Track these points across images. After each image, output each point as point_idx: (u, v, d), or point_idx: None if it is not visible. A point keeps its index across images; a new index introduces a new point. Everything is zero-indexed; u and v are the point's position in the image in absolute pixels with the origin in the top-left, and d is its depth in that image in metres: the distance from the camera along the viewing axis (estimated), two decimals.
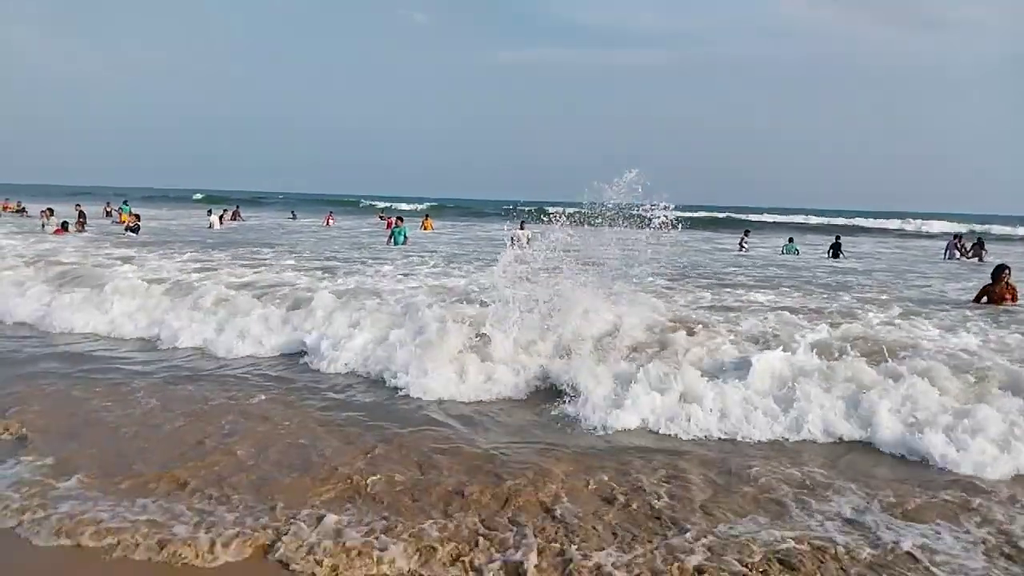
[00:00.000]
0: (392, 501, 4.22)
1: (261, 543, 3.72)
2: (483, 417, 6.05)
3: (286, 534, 3.78)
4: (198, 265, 13.64)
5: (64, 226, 23.07)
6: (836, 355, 6.50)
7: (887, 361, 6.29)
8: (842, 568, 3.52)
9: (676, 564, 3.53)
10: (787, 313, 9.05)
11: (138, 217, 24.96)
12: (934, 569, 3.52)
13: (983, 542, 3.82)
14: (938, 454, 4.99)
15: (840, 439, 5.52)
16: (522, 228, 23.83)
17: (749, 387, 5.95)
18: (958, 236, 28.72)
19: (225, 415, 5.83)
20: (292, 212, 46.95)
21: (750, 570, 3.48)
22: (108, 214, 34.01)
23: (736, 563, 3.52)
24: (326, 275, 12.46)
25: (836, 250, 24.89)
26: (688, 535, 3.83)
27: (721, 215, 53.22)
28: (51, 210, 25.26)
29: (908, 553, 3.66)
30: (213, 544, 3.66)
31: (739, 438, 5.53)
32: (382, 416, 5.95)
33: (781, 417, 5.62)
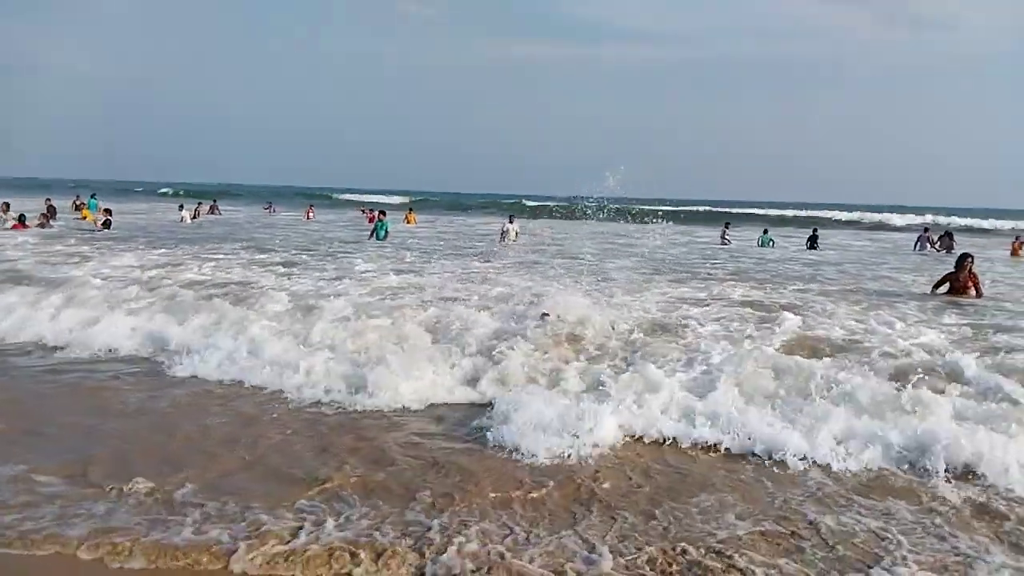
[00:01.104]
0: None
1: None
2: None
3: None
4: (163, 261, 13.54)
5: (21, 220, 22.32)
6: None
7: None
8: None
9: None
10: (749, 310, 9.26)
11: (109, 212, 24.34)
12: None
13: None
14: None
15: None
16: (511, 222, 23.98)
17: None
18: (927, 229, 29.53)
19: None
20: (270, 205, 45.62)
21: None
22: (77, 208, 33.47)
23: None
24: (291, 271, 12.36)
25: (813, 242, 25.45)
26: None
27: (701, 208, 53.70)
28: (7, 204, 24.47)
29: None
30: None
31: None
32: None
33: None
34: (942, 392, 5.61)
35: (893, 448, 4.85)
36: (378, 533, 3.87)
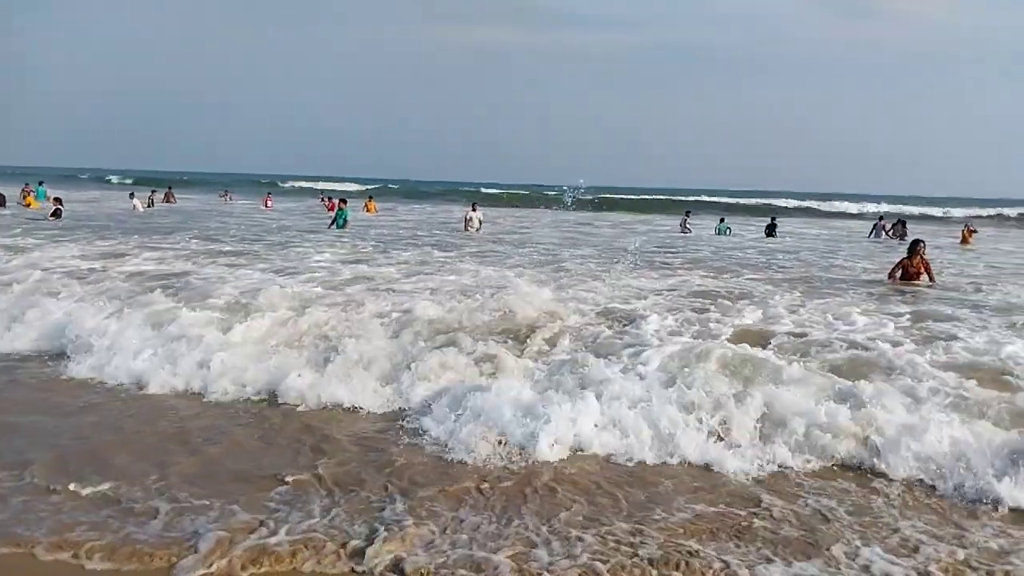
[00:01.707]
0: None
1: None
2: None
3: None
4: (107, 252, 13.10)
5: None
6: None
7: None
8: None
9: None
10: (700, 302, 9.28)
11: (59, 201, 23.58)
12: None
13: None
14: None
15: None
16: (474, 210, 23.85)
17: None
18: (882, 217, 30.28)
19: None
20: (226, 192, 44.55)
21: None
22: (26, 195, 32.36)
23: None
24: (238, 262, 12.02)
25: (771, 230, 25.84)
26: None
27: (661, 197, 54.04)
28: None
29: None
30: None
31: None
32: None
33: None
34: (877, 381, 5.59)
35: (839, 448, 4.83)
36: (334, 530, 3.80)
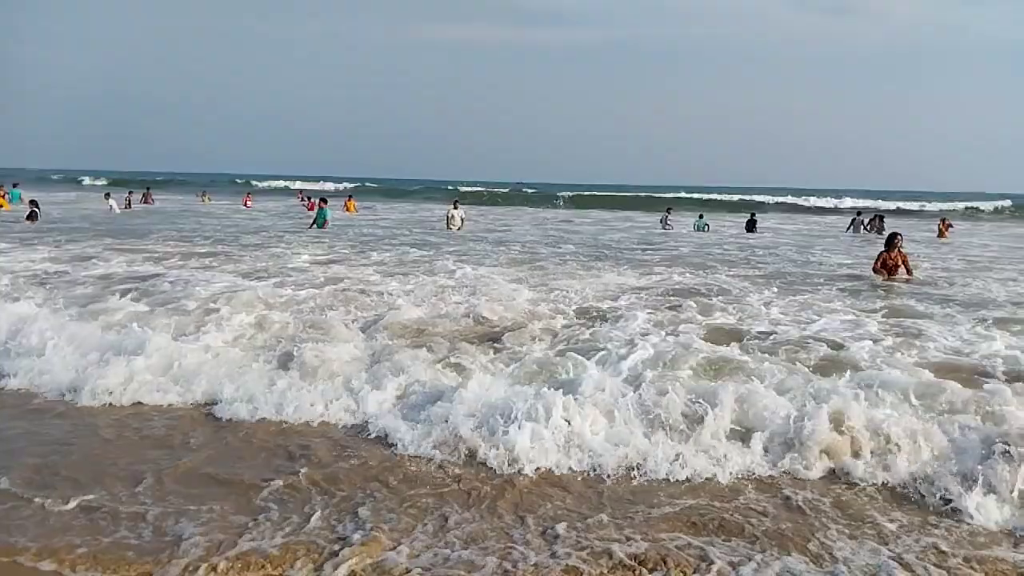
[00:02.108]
0: None
1: None
2: None
3: None
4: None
5: None
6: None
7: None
8: None
9: None
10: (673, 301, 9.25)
11: (35, 204, 23.12)
12: None
13: None
14: None
15: None
16: (455, 208, 23.74)
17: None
18: (860, 212, 30.52)
19: None
20: (203, 193, 43.95)
21: None
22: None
23: None
24: (210, 264, 11.89)
25: (752, 226, 25.95)
26: None
27: (642, 195, 54.11)
28: None
29: None
30: None
31: None
32: None
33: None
34: (848, 380, 5.57)
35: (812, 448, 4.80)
36: (315, 534, 3.76)
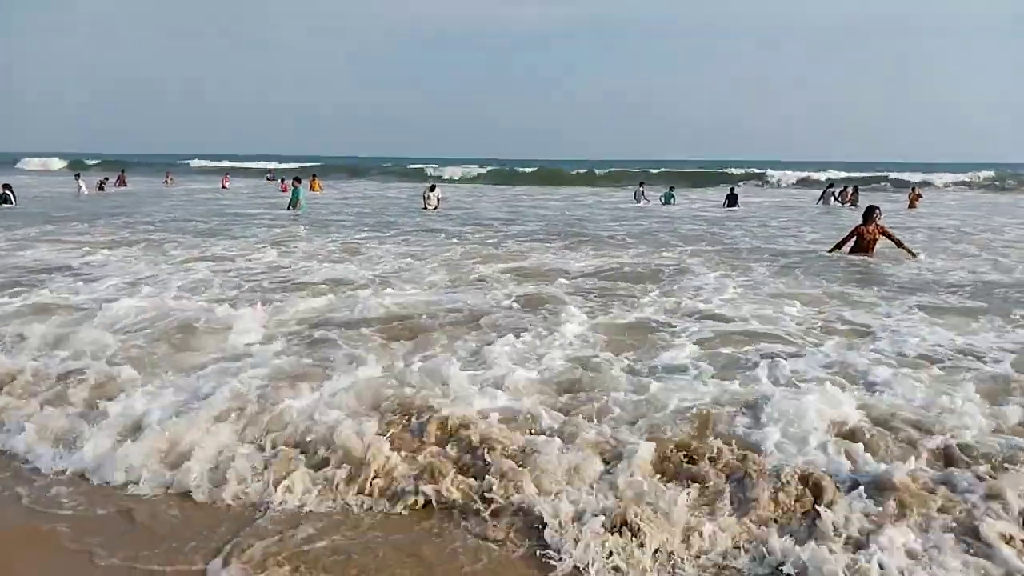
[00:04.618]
0: None
1: None
2: None
3: None
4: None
5: None
6: None
7: None
8: None
9: None
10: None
11: (9, 187, 22.29)
12: None
13: None
14: None
15: None
16: (432, 189, 23.36)
17: None
18: (832, 184, 30.37)
19: None
20: (168, 175, 42.88)
21: None
22: None
23: None
24: (135, 254, 10.95)
25: (732, 200, 25.66)
26: None
27: (610, 170, 53.01)
28: None
29: None
30: None
31: None
32: None
33: None
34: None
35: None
36: None
